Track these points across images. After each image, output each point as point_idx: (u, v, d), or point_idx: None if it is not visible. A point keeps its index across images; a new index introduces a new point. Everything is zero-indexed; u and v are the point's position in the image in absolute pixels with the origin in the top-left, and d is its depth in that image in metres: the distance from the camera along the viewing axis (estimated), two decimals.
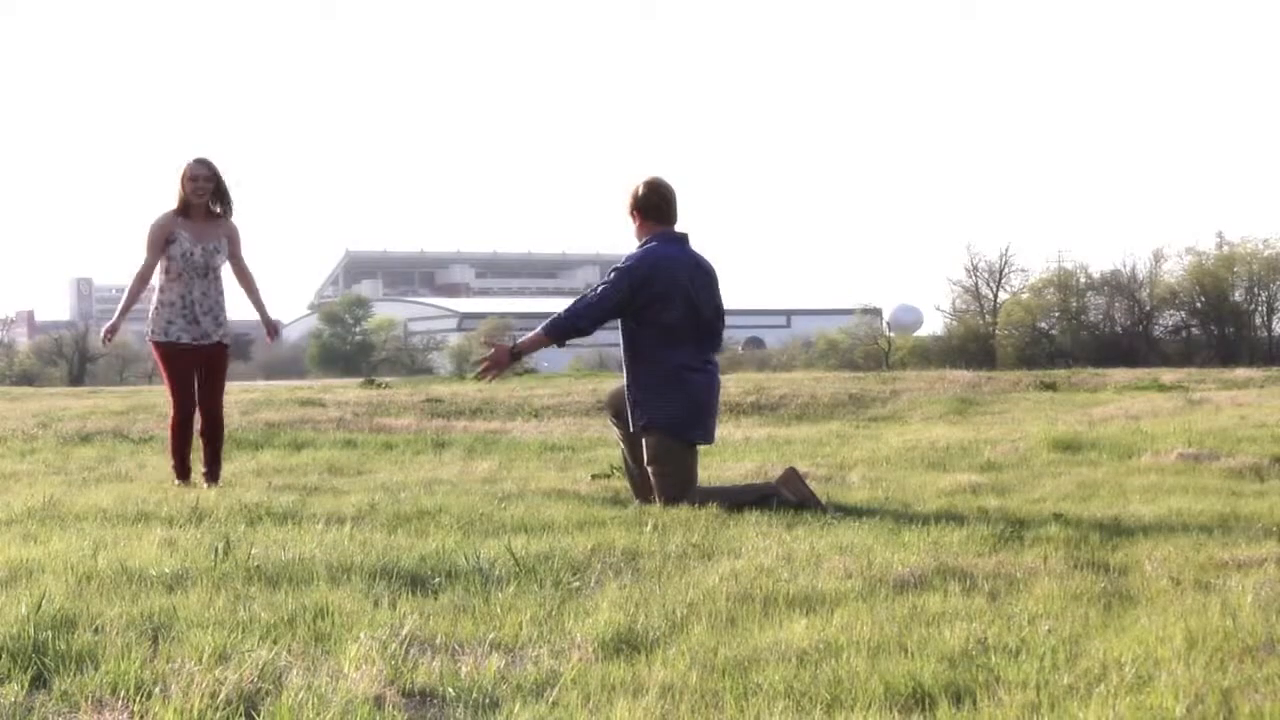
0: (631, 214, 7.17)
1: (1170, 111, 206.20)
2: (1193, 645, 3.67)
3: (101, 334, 8.66)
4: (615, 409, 7.30)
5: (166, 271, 8.31)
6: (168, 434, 8.58)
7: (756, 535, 5.69)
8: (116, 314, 8.52)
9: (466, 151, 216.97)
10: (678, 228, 7.21)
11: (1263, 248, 51.81)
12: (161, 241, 8.29)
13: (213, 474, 8.32)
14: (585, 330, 7.04)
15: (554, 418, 15.08)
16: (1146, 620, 4.00)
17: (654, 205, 7.10)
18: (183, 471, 8.33)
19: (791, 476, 6.82)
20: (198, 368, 8.35)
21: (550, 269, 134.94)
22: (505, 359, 7.11)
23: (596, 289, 7.05)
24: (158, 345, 8.30)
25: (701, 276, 7.13)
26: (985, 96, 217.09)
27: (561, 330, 7.02)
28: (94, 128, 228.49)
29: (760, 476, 8.17)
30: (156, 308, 8.32)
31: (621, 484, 7.87)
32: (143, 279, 8.41)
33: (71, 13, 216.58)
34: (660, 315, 6.96)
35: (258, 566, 4.79)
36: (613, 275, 7.01)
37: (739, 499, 6.65)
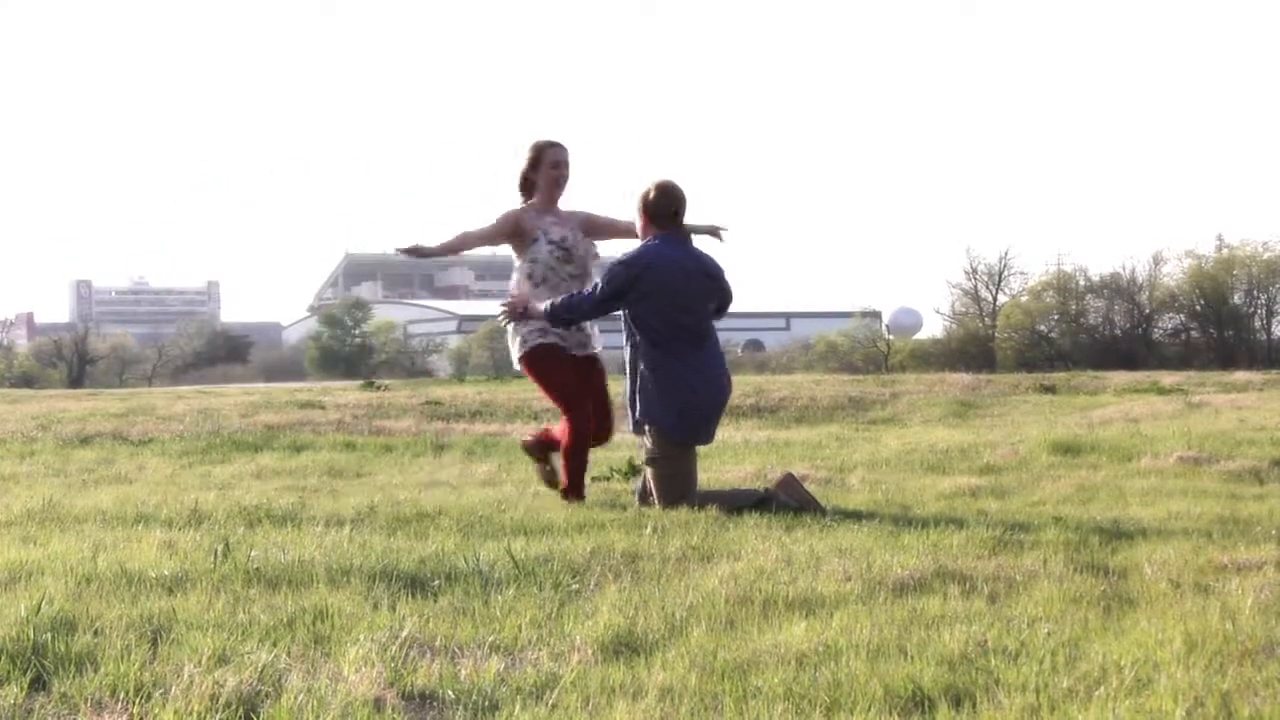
0: (639, 214, 7.15)
1: (1170, 114, 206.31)
2: (1192, 648, 3.67)
3: (408, 246, 7.15)
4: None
5: (530, 276, 7.21)
6: (562, 466, 7.26)
7: (756, 538, 5.69)
8: (432, 248, 7.19)
9: (467, 154, 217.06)
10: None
11: (1262, 250, 51.73)
12: (511, 229, 7.20)
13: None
14: (580, 322, 7.11)
15: (554, 420, 15.07)
16: (1146, 623, 4.00)
17: (663, 211, 7.07)
18: (579, 492, 7.18)
19: (789, 481, 6.81)
20: (584, 379, 7.25)
21: None
22: (520, 313, 7.07)
23: (596, 283, 7.07)
24: (534, 354, 7.16)
25: (701, 279, 7.12)
26: (985, 98, 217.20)
27: (559, 320, 7.03)
28: (94, 128, 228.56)
29: (760, 479, 8.17)
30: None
31: (621, 486, 7.88)
32: (469, 243, 7.21)
33: (71, 13, 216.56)
34: (653, 315, 6.96)
35: (257, 569, 4.79)
36: (609, 270, 7.03)
37: (737, 502, 6.65)
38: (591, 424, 7.19)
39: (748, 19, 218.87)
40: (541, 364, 7.18)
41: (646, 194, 7.10)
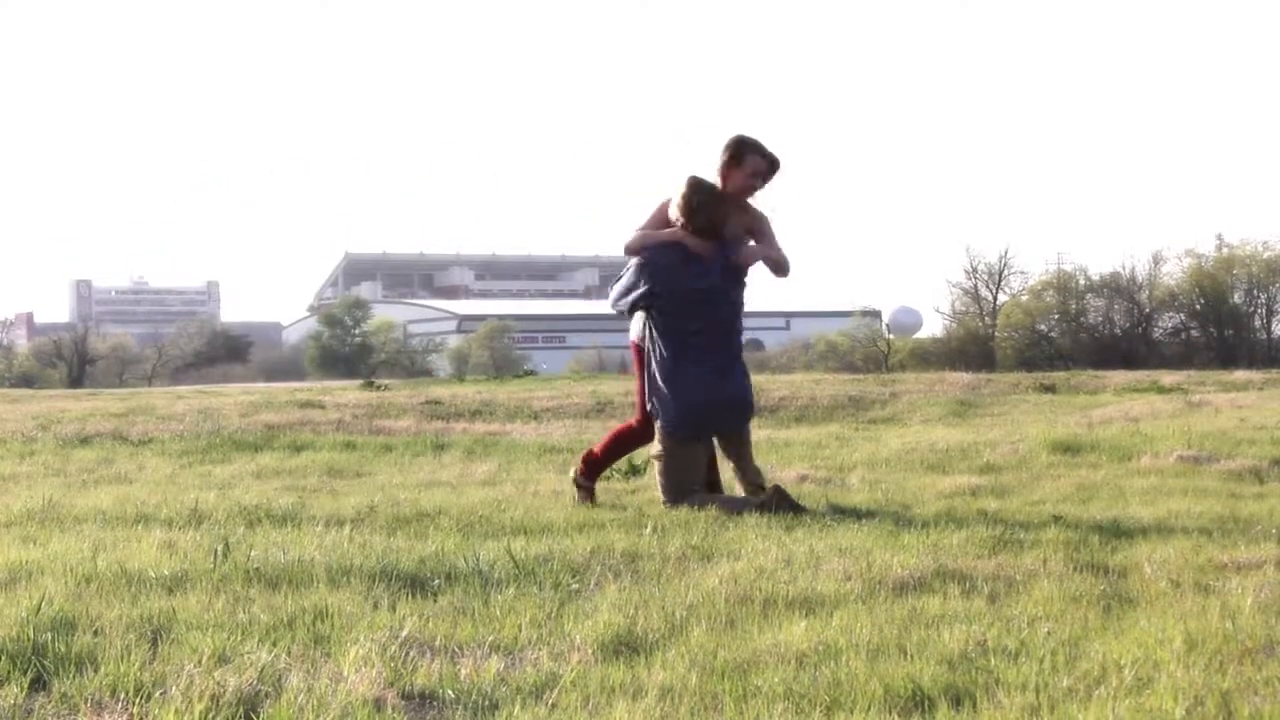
0: (677, 208, 7.01)
1: (1170, 113, 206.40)
2: (1192, 647, 3.67)
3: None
4: None
5: None
6: (607, 437, 7.33)
7: (756, 537, 5.69)
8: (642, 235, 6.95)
9: (466, 153, 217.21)
10: None
11: (1262, 250, 51.79)
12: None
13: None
14: (623, 315, 7.24)
15: (553, 420, 15.08)
16: (1146, 622, 4.00)
17: (699, 228, 6.99)
18: (593, 478, 7.21)
19: (776, 495, 6.68)
20: None
21: (549, 271, 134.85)
22: None
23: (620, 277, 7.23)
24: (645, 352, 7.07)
25: (718, 275, 7.03)
26: (984, 97, 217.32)
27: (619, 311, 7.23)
28: (93, 128, 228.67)
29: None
30: None
31: (621, 486, 7.89)
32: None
33: (71, 13, 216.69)
34: (664, 312, 6.98)
35: (257, 569, 4.79)
36: (630, 265, 7.12)
37: (733, 507, 6.63)
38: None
39: (748, 18, 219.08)
40: (644, 360, 7.09)
41: (691, 204, 6.93)
